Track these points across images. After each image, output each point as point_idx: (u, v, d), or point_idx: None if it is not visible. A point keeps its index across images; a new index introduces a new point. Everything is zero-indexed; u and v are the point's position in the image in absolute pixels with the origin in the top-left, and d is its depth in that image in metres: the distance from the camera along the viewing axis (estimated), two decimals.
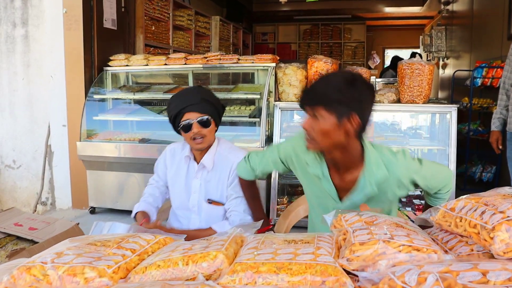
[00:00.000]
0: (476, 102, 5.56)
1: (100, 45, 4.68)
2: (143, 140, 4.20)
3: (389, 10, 10.22)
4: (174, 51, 6.07)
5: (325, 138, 1.55)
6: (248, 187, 2.10)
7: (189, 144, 2.18)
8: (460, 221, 0.77)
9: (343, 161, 1.65)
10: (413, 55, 8.14)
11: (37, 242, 2.59)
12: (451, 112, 3.79)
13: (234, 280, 0.66)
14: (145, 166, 4.20)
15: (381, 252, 0.68)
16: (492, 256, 0.69)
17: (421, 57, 8.07)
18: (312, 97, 1.55)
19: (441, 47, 8.73)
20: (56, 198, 5.00)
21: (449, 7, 8.59)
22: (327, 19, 10.96)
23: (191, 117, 2.06)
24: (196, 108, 2.06)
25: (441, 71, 9.15)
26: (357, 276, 0.68)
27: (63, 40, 4.58)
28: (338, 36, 11.53)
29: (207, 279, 0.68)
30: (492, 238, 0.68)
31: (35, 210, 5.06)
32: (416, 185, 1.69)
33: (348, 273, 0.68)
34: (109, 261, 0.74)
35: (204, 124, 2.07)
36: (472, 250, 0.75)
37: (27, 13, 4.88)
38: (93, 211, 4.59)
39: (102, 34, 4.72)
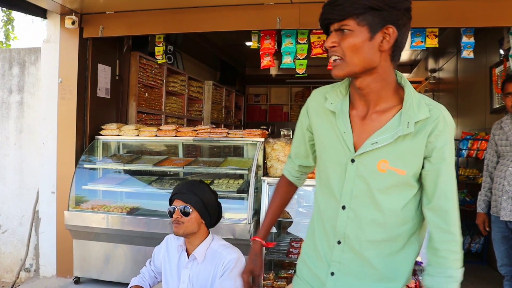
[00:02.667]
0: (462, 173, 5.65)
1: (93, 114, 4.77)
2: (131, 211, 4.19)
3: None
4: (166, 117, 6.18)
5: (355, 56, 1.30)
6: (284, 190, 1.74)
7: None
8: None
9: (374, 91, 1.36)
10: None
11: None
12: None
13: None
14: (132, 238, 4.19)
15: None
16: None
17: None
18: (339, 9, 1.28)
19: None
20: (40, 265, 4.91)
21: (436, 74, 8.88)
22: (318, 82, 11.24)
23: (176, 204, 2.30)
24: (181, 197, 2.30)
25: None
26: None
27: (57, 108, 4.66)
28: None
29: None
30: None
31: (18, 277, 4.96)
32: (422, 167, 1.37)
33: None
34: None
35: (184, 213, 2.26)
36: None
37: (23, 80, 5.00)
38: (77, 281, 4.51)
39: (95, 103, 4.82)
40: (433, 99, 7.25)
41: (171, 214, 2.32)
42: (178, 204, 2.29)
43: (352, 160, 1.37)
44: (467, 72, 6.62)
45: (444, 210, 1.34)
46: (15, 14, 9.43)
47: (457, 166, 5.53)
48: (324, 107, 1.44)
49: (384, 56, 1.31)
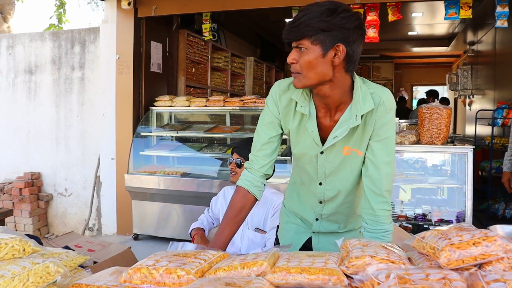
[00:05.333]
0: (497, 141, 5.80)
1: (147, 87, 5.23)
2: (184, 175, 4.65)
3: (416, 49, 10.59)
4: (212, 91, 6.59)
5: (311, 71, 1.49)
6: (240, 205, 1.76)
7: None
8: (426, 245, 1.13)
9: (333, 98, 1.58)
10: (429, 93, 8.41)
11: (96, 262, 3.02)
12: (467, 153, 4.09)
13: (274, 277, 1.05)
14: (185, 198, 4.64)
15: (368, 263, 1.05)
16: (440, 268, 1.05)
17: (437, 95, 8.31)
18: (295, 30, 1.47)
19: (467, 85, 9.00)
20: (102, 225, 5.47)
21: (474, 47, 8.90)
22: None
23: (233, 157, 2.74)
24: (237, 151, 2.75)
25: (467, 108, 9.39)
26: (352, 278, 1.05)
27: (115, 82, 5.14)
28: (367, 74, 11.94)
29: None
30: (439, 255, 1.05)
31: (83, 235, 5.54)
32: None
33: (346, 276, 1.05)
34: (191, 265, 1.14)
35: (237, 165, 2.71)
36: (431, 264, 1.11)
37: (84, 58, 5.50)
38: (136, 237, 5.03)
39: (149, 77, 5.27)
40: (471, 72, 7.36)
41: (229, 163, 2.77)
42: (235, 157, 2.72)
43: (322, 152, 1.67)
44: (506, 43, 6.69)
45: (377, 178, 1.61)
46: None
47: (492, 135, 5.69)
48: (295, 109, 1.67)
49: (338, 68, 1.50)
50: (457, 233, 1.11)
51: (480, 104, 8.17)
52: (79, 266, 1.61)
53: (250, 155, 1.79)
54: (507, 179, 3.74)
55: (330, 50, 1.46)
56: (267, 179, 1.83)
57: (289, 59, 1.52)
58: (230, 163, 2.75)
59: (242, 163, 2.68)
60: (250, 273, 1.10)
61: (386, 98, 1.59)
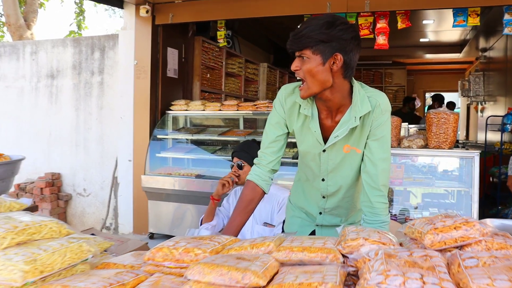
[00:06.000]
0: (507, 147, 5.88)
1: (164, 92, 5.43)
2: (198, 176, 4.83)
3: (428, 56, 10.68)
4: (226, 96, 6.78)
5: (312, 78, 1.65)
6: (249, 198, 1.94)
7: None
8: (414, 230, 1.28)
9: (333, 102, 1.74)
10: (434, 97, 8.35)
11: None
12: (474, 157, 4.20)
13: (279, 254, 1.20)
14: (199, 199, 4.81)
15: (361, 244, 1.20)
16: (425, 248, 1.20)
17: (443, 99, 8.33)
18: (298, 41, 1.64)
19: (479, 92, 9.06)
20: (119, 224, 5.67)
21: (486, 53, 8.96)
22: (369, 64, 11.55)
23: (234, 161, 2.95)
24: (236, 154, 2.96)
25: (479, 114, 9.44)
26: (347, 257, 1.20)
27: (133, 87, 5.35)
28: (380, 80, 12.04)
29: None
30: (424, 238, 1.20)
31: (101, 231, 5.75)
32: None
33: (342, 256, 1.20)
34: (207, 245, 1.31)
35: (238, 166, 2.89)
36: (418, 246, 1.25)
37: (103, 63, 5.73)
38: (152, 236, 5.21)
39: (165, 82, 5.47)
40: (483, 79, 7.46)
41: (231, 167, 2.97)
42: (235, 161, 2.92)
43: (324, 150, 1.83)
44: None
45: (374, 174, 1.79)
46: (85, 5, 10.31)
47: (502, 141, 5.77)
48: (299, 111, 1.83)
49: (336, 75, 1.67)
50: (441, 219, 1.26)
51: (492, 110, 8.23)
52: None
53: (259, 152, 1.96)
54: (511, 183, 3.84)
55: (329, 59, 1.63)
56: (274, 174, 1.98)
57: (293, 67, 1.69)
58: (232, 166, 2.94)
59: (243, 164, 2.87)
60: (258, 252, 1.26)
61: (382, 101, 1.76)
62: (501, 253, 1.17)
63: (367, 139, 1.80)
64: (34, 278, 1.24)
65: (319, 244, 1.22)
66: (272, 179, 1.97)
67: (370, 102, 1.74)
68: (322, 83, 1.66)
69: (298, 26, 1.69)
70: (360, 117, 1.73)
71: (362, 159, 1.84)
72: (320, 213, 2.02)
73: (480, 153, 4.23)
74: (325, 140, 1.82)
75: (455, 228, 1.20)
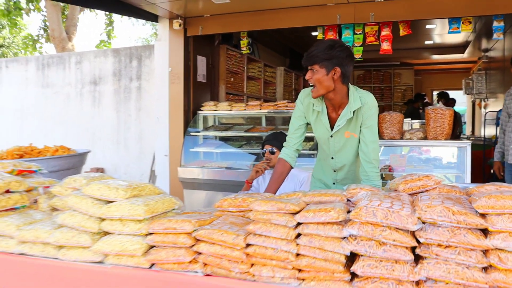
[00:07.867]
0: None
1: (195, 94, 6.18)
2: (227, 168, 5.57)
3: (434, 57, 11.30)
4: (247, 97, 7.52)
5: (320, 84, 2.36)
6: (282, 170, 2.67)
7: None
8: (393, 184, 2.01)
9: (335, 100, 2.44)
10: (440, 95, 9.15)
11: None
12: (466, 147, 4.87)
13: (305, 198, 1.91)
14: (228, 187, 5.55)
15: (358, 191, 1.92)
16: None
17: (447, 96, 9.01)
18: (309, 59, 2.36)
19: (482, 89, 9.67)
20: None
21: (488, 53, 9.57)
22: (379, 65, 12.24)
23: (266, 147, 3.57)
24: (268, 142, 3.60)
25: (482, 110, 10.04)
26: (350, 200, 1.92)
27: (168, 91, 6.11)
28: (389, 80, 12.71)
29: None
30: (398, 187, 1.93)
31: None
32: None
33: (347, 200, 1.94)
34: (257, 196, 2.06)
35: (271, 152, 3.53)
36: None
37: (140, 70, 6.51)
38: None
39: (196, 86, 6.22)
40: (485, 77, 8.17)
41: (263, 154, 3.60)
42: (267, 147, 3.56)
43: (331, 136, 2.56)
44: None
45: (367, 151, 2.50)
46: (113, 16, 11.12)
47: (496, 134, 6.40)
48: (313, 108, 2.57)
49: (337, 82, 2.38)
50: (411, 176, 1.98)
51: (493, 107, 8.83)
52: None
53: (286, 138, 2.75)
54: (497, 168, 4.50)
55: (331, 71, 2.35)
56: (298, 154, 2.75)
57: (307, 77, 2.42)
58: (264, 152, 3.57)
59: (274, 150, 3.52)
60: (292, 197, 2.00)
61: (369, 100, 2.50)
62: (445, 193, 1.89)
63: (360, 127, 2.52)
64: (149, 215, 1.99)
65: (331, 192, 1.96)
66: (297, 157, 2.72)
67: (361, 100, 2.47)
68: (326, 87, 2.38)
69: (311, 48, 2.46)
70: (354, 111, 2.47)
71: (359, 142, 2.57)
72: (334, 183, 2.76)
73: (481, 145, 4.85)
74: (332, 128, 2.56)
75: (418, 179, 1.93)
